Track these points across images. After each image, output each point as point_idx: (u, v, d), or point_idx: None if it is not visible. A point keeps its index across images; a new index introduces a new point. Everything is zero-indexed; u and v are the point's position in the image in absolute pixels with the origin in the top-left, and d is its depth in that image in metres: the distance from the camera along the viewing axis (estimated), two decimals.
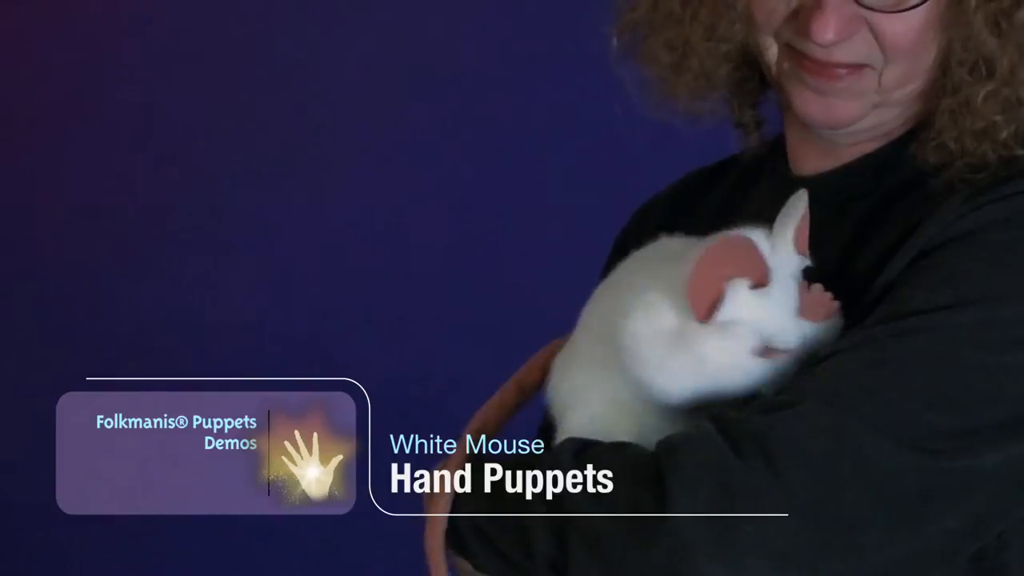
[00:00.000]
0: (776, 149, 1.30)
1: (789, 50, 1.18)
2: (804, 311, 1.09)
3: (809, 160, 1.24)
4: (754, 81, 1.28)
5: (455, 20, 2.79)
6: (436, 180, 2.80)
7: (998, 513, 1.08)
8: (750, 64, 1.25)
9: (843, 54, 1.15)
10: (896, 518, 1.04)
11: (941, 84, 1.16)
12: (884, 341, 1.07)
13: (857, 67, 1.16)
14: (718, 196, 1.34)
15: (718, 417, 1.07)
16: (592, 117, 2.60)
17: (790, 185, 1.22)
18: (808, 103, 1.18)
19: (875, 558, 1.04)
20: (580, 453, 1.11)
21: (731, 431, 1.05)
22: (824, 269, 1.15)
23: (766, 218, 1.12)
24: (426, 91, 2.81)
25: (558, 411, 1.17)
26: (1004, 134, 1.14)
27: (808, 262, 1.12)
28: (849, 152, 1.22)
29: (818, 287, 1.10)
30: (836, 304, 1.10)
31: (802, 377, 1.08)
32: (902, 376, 1.06)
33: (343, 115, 2.83)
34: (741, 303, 1.08)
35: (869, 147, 1.21)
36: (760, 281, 1.09)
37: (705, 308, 1.08)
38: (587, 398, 1.15)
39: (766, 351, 1.09)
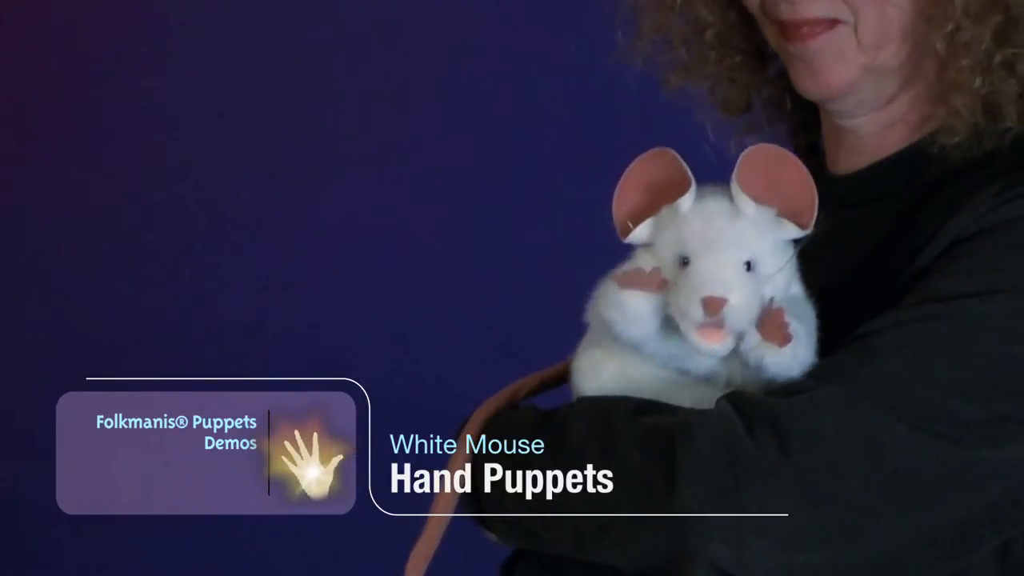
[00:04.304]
0: (819, 157, 1.31)
1: (774, 25, 1.21)
2: (761, 327, 1.07)
3: (842, 158, 1.26)
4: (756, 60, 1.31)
5: (456, 19, 2.79)
6: (437, 180, 2.80)
7: (1015, 506, 1.07)
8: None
9: (808, 9, 1.18)
10: (905, 504, 1.03)
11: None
12: (908, 325, 1.07)
13: (828, 23, 1.18)
14: None
15: (736, 397, 1.07)
16: (598, 116, 2.59)
17: (826, 184, 1.23)
18: (799, 76, 1.21)
19: (881, 543, 1.04)
20: (596, 421, 1.11)
21: (746, 411, 1.05)
22: (859, 266, 1.16)
23: None
24: (428, 90, 2.81)
25: (575, 388, 1.17)
26: (977, 83, 1.14)
27: (803, 233, 1.10)
28: (879, 147, 1.23)
29: (781, 311, 1.07)
30: (792, 336, 1.07)
31: (823, 360, 1.08)
32: (924, 361, 1.05)
33: (342, 115, 2.83)
34: (661, 222, 1.11)
35: (897, 140, 1.22)
36: (683, 185, 1.09)
37: (623, 223, 1.12)
38: (597, 372, 1.15)
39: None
